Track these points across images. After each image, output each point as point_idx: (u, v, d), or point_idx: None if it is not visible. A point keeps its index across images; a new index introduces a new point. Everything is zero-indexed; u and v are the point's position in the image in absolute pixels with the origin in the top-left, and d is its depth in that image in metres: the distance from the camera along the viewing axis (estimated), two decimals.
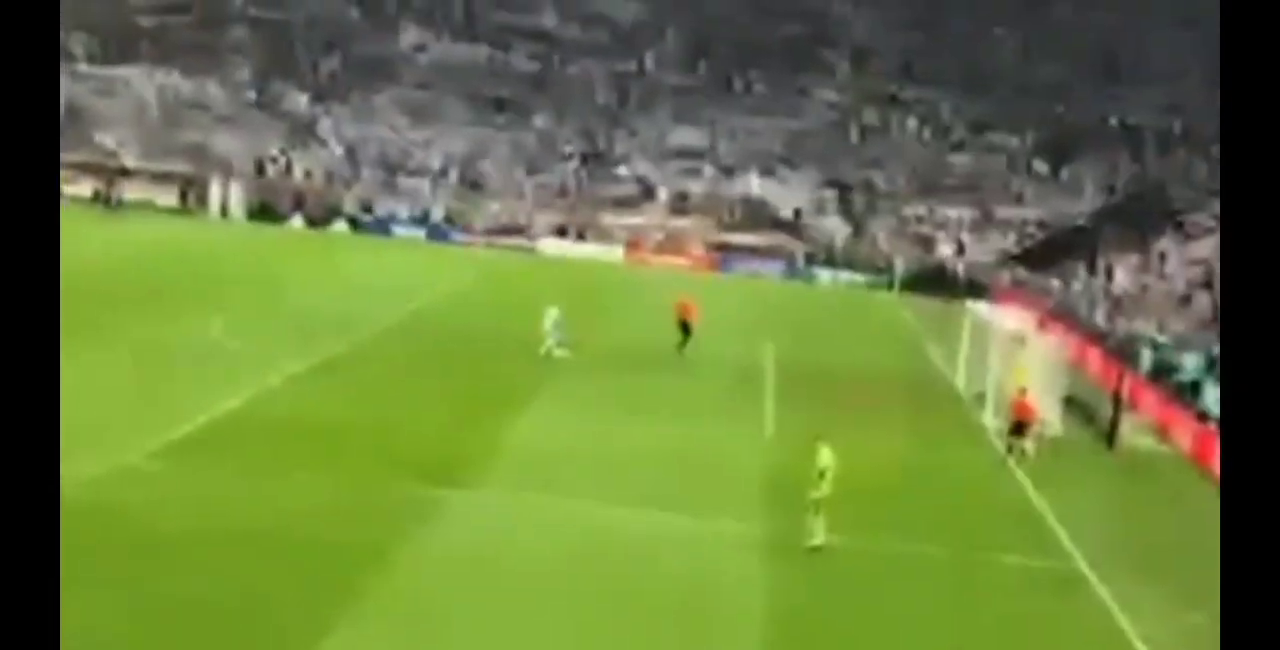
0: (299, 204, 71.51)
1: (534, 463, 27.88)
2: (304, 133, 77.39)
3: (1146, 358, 42.92)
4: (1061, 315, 53.24)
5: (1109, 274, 61.47)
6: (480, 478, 26.43)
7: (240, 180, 72.28)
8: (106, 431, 26.68)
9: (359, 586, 20.10)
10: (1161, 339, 44.63)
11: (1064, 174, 76.35)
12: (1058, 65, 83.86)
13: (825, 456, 23.84)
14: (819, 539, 23.71)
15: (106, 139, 74.60)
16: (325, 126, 77.97)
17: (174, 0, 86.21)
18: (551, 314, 40.03)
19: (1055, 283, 62.75)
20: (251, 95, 79.67)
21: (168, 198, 70.50)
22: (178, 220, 67.76)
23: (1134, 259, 62.99)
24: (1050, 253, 68.60)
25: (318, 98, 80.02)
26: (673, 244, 70.90)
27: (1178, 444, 36.56)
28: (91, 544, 20.36)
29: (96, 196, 69.11)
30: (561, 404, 33.80)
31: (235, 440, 27.39)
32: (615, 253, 69.78)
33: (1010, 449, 32.60)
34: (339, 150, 76.18)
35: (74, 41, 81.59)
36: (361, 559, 21.22)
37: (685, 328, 42.51)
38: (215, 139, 75.52)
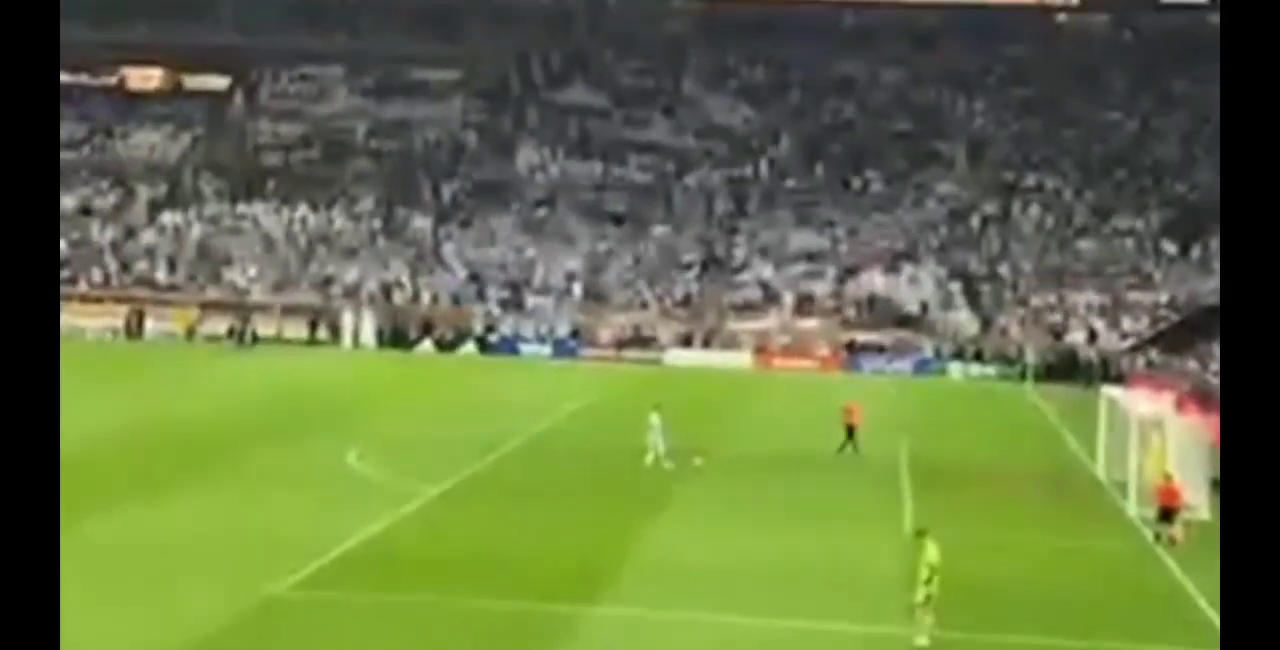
0: (427, 329, 72.47)
1: (665, 577, 27.65)
2: (429, 258, 78.66)
3: None
4: (1200, 397, 52.11)
5: None
6: (613, 593, 26.27)
7: (369, 308, 73.49)
8: (249, 564, 26.98)
9: None
10: None
11: (1193, 253, 75.22)
12: (1177, 142, 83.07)
13: (932, 553, 23.24)
14: (923, 639, 23.14)
15: (237, 276, 76.39)
16: (449, 250, 79.20)
17: (298, 136, 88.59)
18: (654, 421, 39.52)
19: (1192, 364, 61.56)
20: (377, 224, 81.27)
21: (298, 331, 71.81)
22: (310, 352, 68.89)
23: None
24: (1184, 334, 67.39)
25: (440, 221, 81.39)
26: (799, 347, 70.74)
27: None
28: None
29: (231, 333, 70.62)
30: (693, 515, 33.60)
31: (375, 568, 27.54)
32: (742, 359, 69.71)
33: (1158, 537, 31.85)
34: (463, 273, 77.26)
35: (202, 181, 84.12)
36: None
37: (850, 431, 42.50)
38: (343, 269, 77.00)
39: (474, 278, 76.80)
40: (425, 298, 75.43)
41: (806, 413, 52.95)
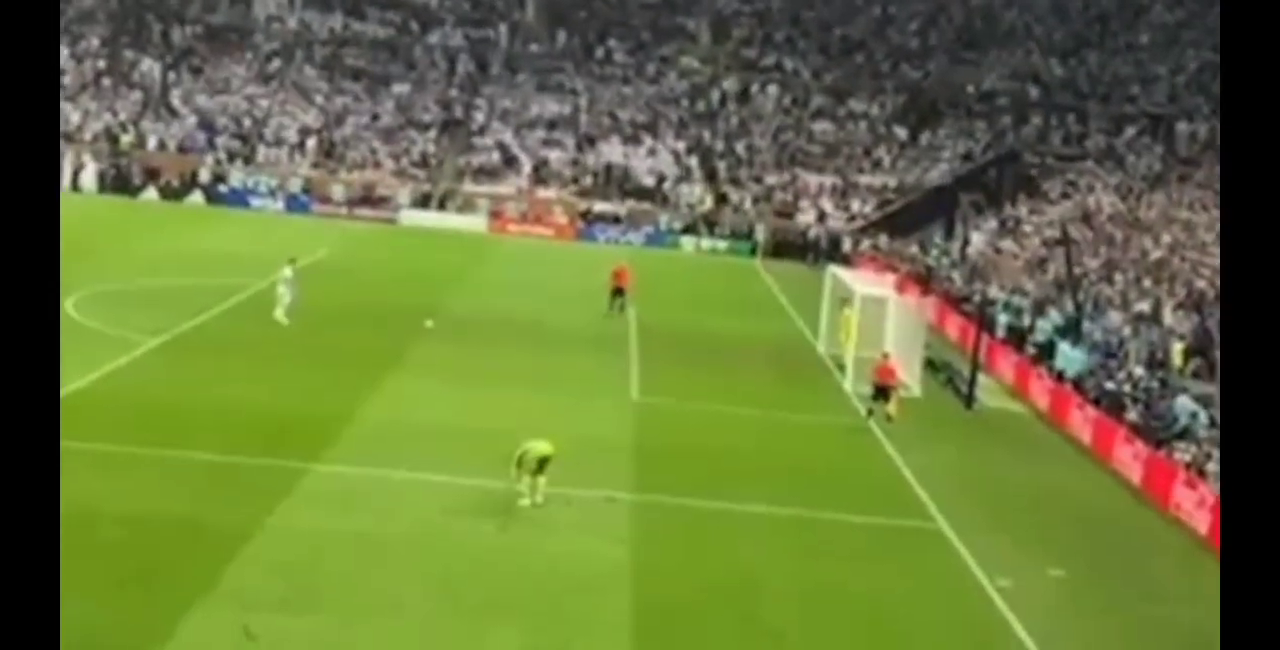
0: (153, 175, 70.07)
1: (391, 435, 27.63)
2: (156, 103, 75.81)
3: (1003, 321, 43.61)
4: (920, 280, 53.91)
5: (966, 239, 62.32)
6: (338, 452, 26.15)
7: (91, 152, 70.66)
8: None
9: (219, 564, 19.83)
10: (1017, 302, 45.37)
11: (921, 139, 77.18)
12: (914, 32, 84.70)
13: (541, 448, 23.63)
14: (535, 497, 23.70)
15: None
16: (177, 96, 76.44)
17: None
18: (286, 273, 38.69)
19: (914, 248, 63.49)
20: (102, 65, 77.85)
21: None
22: None
23: (990, 224, 63.96)
24: (909, 219, 69.41)
25: (170, 66, 78.40)
26: (535, 213, 70.63)
27: (1033, 404, 37.24)
28: None
29: None
30: (423, 376, 33.55)
31: (88, 419, 26.80)
32: (478, 222, 69.32)
33: (871, 412, 32.97)
34: (192, 120, 74.72)
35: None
36: (217, 537, 20.92)
37: (618, 292, 45.04)
38: (65, 110, 73.73)
39: (203, 126, 74.33)
40: (151, 143, 72.75)
41: (542, 279, 53.15)
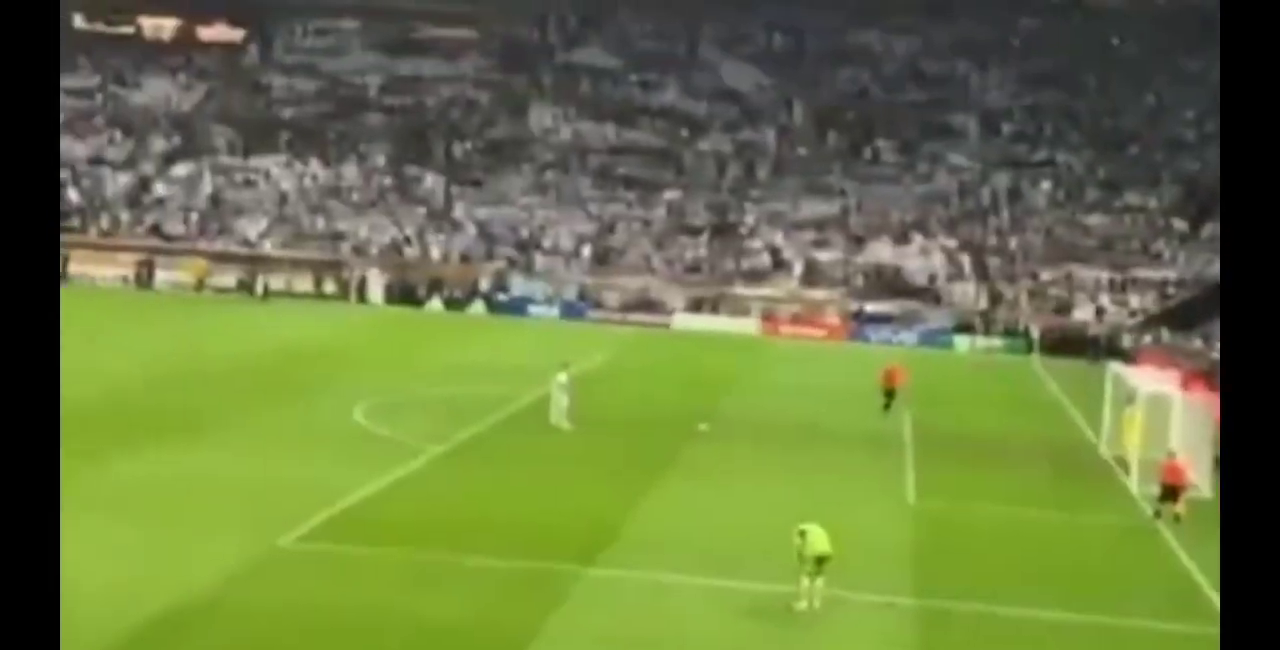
0: (436, 286, 72.55)
1: (664, 539, 27.81)
2: (439, 215, 78.67)
3: None
4: (1206, 375, 52.18)
5: None
6: (611, 556, 26.40)
7: (378, 265, 73.57)
8: (255, 516, 27.17)
9: None
10: None
11: (1203, 231, 75.13)
12: (1190, 120, 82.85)
13: (820, 542, 23.25)
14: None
15: (247, 229, 76.42)
16: (459, 209, 79.21)
17: (311, 90, 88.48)
18: (560, 379, 39.19)
19: (1198, 343, 61.58)
20: (388, 181, 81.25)
21: (306, 285, 71.97)
22: (319, 307, 68.96)
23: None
24: (1192, 312, 67.38)
25: (452, 179, 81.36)
26: (807, 314, 70.79)
27: None
28: (241, 622, 20.78)
29: (240, 286, 70.86)
30: (699, 478, 33.78)
31: (378, 524, 27.70)
32: (750, 325, 69.78)
33: (1158, 514, 31.97)
34: (473, 232, 77.27)
35: (215, 133, 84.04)
36: (508, 639, 21.30)
37: (890, 394, 44.91)
38: (353, 225, 77.03)
39: (484, 237, 76.81)
40: (435, 255, 75.45)
41: (814, 381, 53.14)
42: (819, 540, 23.28)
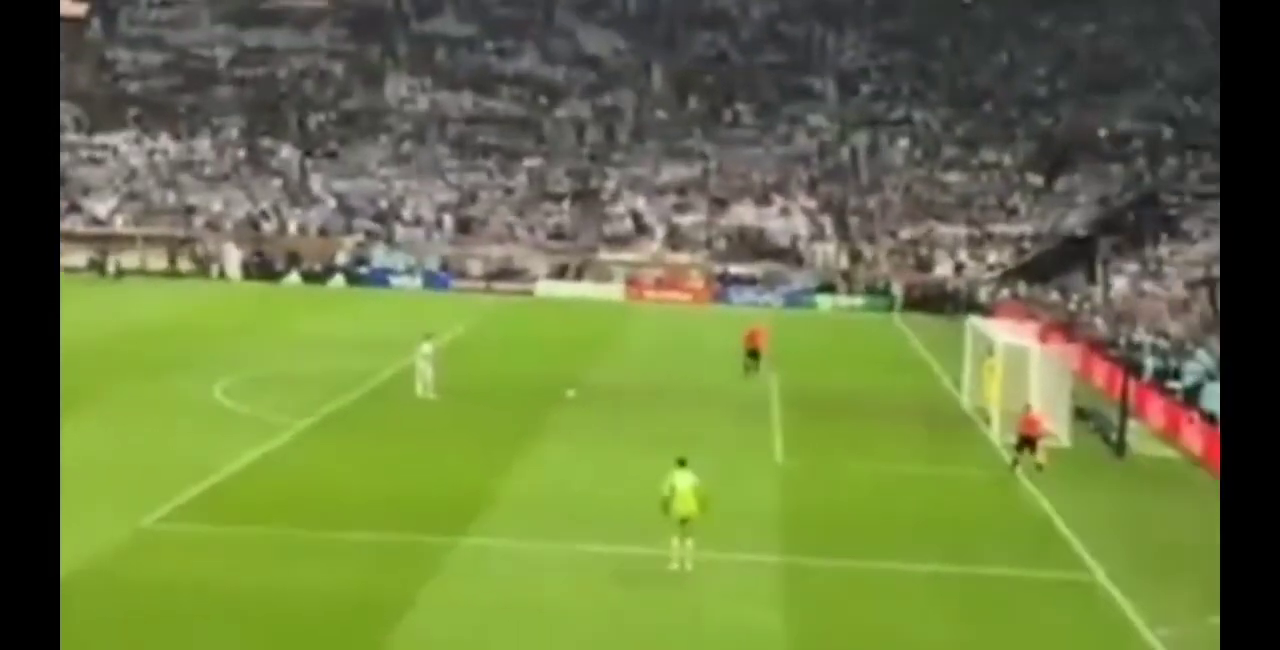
0: (295, 260, 71.59)
1: (537, 506, 27.78)
2: (295, 188, 77.58)
3: (1149, 364, 42.83)
4: (1063, 327, 53.16)
5: (1107, 283, 61.41)
6: (481, 524, 26.30)
7: (234, 239, 72.43)
8: (117, 497, 26.66)
9: (380, 639, 20.01)
10: (1163, 344, 44.55)
11: (1057, 186, 76.41)
12: (1042, 77, 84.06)
13: (682, 479, 23.48)
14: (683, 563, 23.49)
15: (96, 207, 74.74)
16: (316, 181, 78.16)
17: (158, 63, 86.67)
18: (424, 349, 39.00)
19: (1055, 295, 62.67)
20: (241, 154, 79.91)
21: (160, 262, 70.70)
22: (175, 284, 67.84)
23: (1132, 267, 62.97)
24: (1048, 266, 68.58)
25: (307, 152, 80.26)
26: (671, 278, 70.95)
27: (1186, 448, 36.45)
28: (107, 603, 20.36)
29: (91, 265, 69.26)
30: (567, 444, 33.74)
31: (244, 500, 27.33)
32: (614, 290, 69.80)
33: (1016, 463, 32.48)
34: (331, 204, 76.31)
35: (60, 111, 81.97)
36: (382, 612, 21.12)
37: (753, 354, 44.71)
38: (207, 200, 75.71)
39: (342, 209, 75.90)
40: (292, 228, 74.39)
41: (681, 344, 53.29)
42: (684, 502, 23.33)
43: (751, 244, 73.52)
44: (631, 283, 70.48)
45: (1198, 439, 36.15)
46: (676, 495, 23.36)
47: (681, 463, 23.99)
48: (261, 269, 71.07)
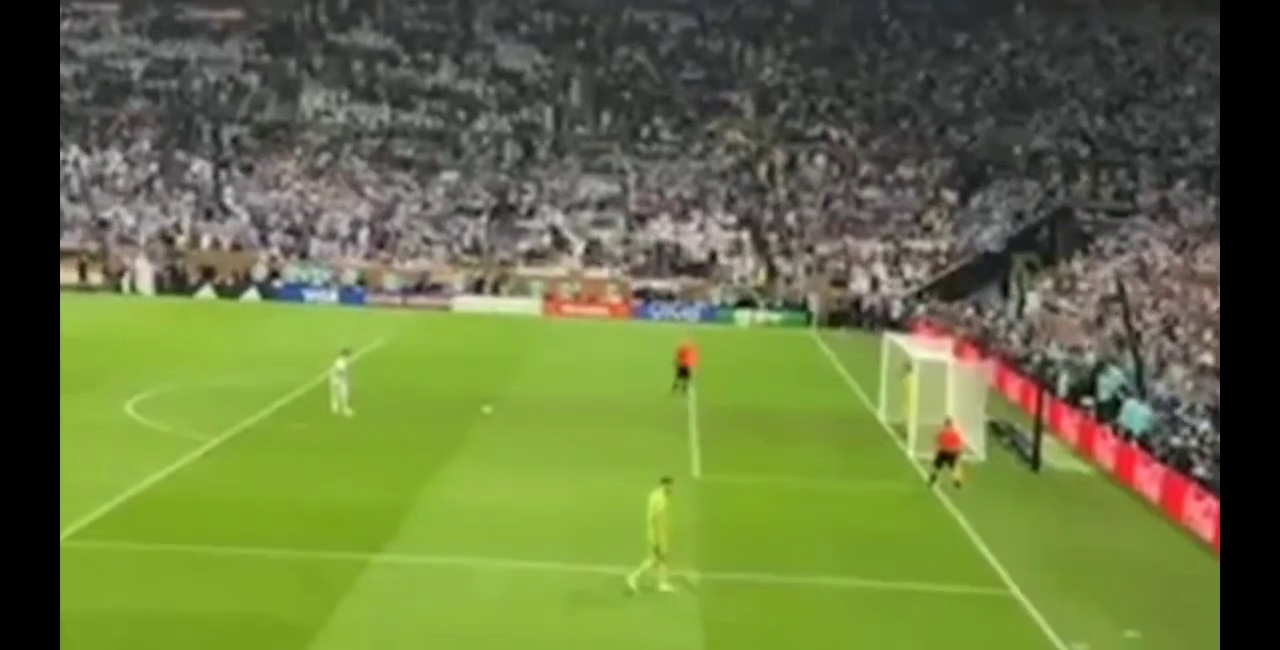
0: (208, 274, 70.81)
1: (453, 523, 27.55)
2: (209, 202, 76.74)
3: (1064, 380, 43.18)
4: (978, 343, 53.53)
5: (1022, 299, 61.92)
6: (397, 541, 26.05)
7: (147, 254, 71.52)
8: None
9: None
10: (1078, 360, 44.92)
11: (972, 202, 77.04)
12: (959, 96, 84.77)
13: (656, 499, 23.42)
14: (663, 584, 23.42)
15: None
16: (230, 195, 77.38)
17: (69, 75, 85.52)
18: (339, 365, 38.53)
19: (970, 311, 63.13)
20: (154, 167, 78.97)
21: (70, 276, 69.67)
22: (85, 298, 66.88)
23: (1045, 283, 63.56)
24: (964, 282, 69.13)
25: (221, 165, 79.45)
26: (589, 294, 70.82)
27: (1099, 463, 36.75)
28: None
29: None
30: (482, 461, 33.50)
31: (155, 518, 26.88)
32: (532, 305, 69.57)
33: (934, 478, 32.60)
34: (245, 218, 75.56)
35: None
36: (294, 633, 20.81)
37: (684, 372, 44.23)
38: (120, 213, 74.76)
39: (256, 223, 75.16)
40: (206, 243, 73.56)
41: (599, 360, 53.16)
42: (650, 520, 23.14)
43: (669, 259, 73.56)
44: (549, 298, 70.30)
45: (1110, 454, 36.48)
46: (649, 514, 23.26)
47: (665, 482, 23.77)
48: (175, 283, 70.22)
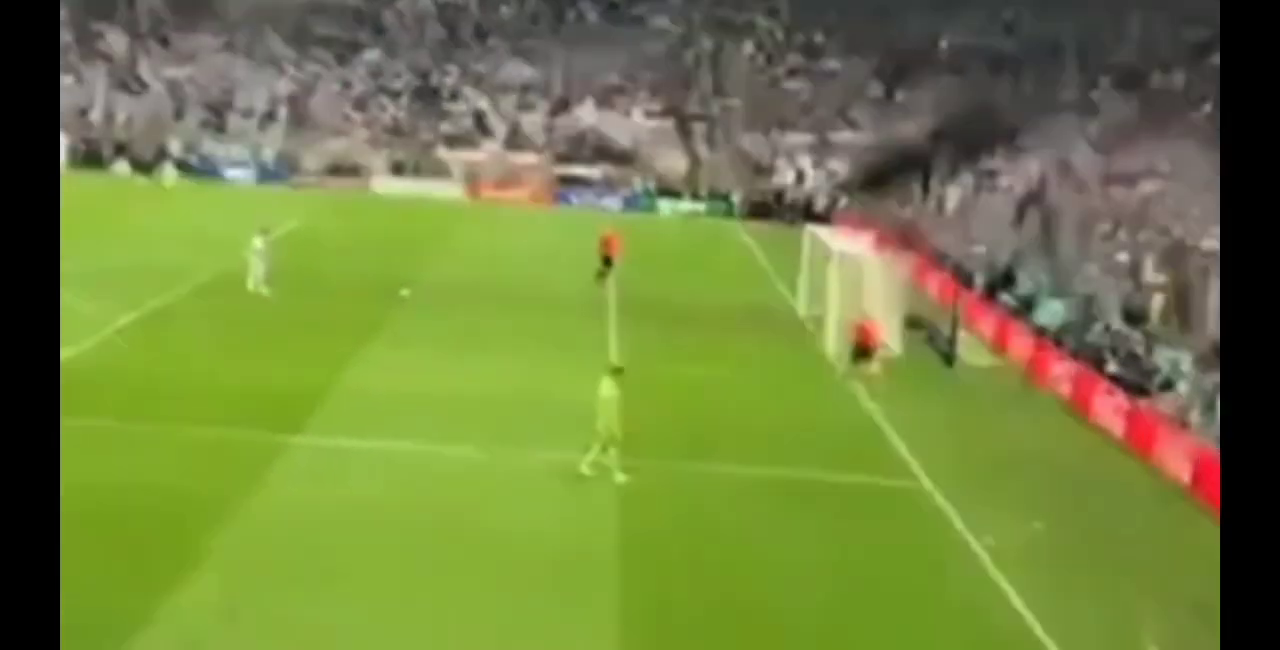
0: (122, 149, 69.57)
1: (373, 405, 27.50)
2: (125, 75, 75.18)
3: (981, 276, 43.50)
4: (899, 237, 53.73)
5: (943, 194, 62.17)
6: (311, 422, 25.96)
7: (60, 126, 70.08)
8: None
9: (202, 538, 19.64)
10: (996, 256, 45.25)
11: (897, 96, 76.93)
12: None
13: (607, 388, 23.56)
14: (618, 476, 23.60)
15: None
16: (145, 68, 75.82)
17: None
18: (256, 244, 38.42)
19: (892, 205, 63.32)
20: (68, 39, 77.12)
21: None
22: None
23: (967, 179, 63.79)
24: (885, 176, 69.21)
25: (137, 38, 77.73)
26: (511, 179, 70.30)
27: (1013, 359, 37.17)
28: None
29: None
30: (400, 344, 33.39)
31: (70, 394, 26.52)
32: (453, 189, 69.01)
33: (851, 373, 32.84)
34: (161, 92, 74.13)
35: None
36: (203, 510, 20.74)
37: (607, 261, 44.07)
38: None
39: (173, 97, 73.78)
40: (120, 117, 72.18)
41: (519, 246, 52.94)
42: (601, 409, 23.28)
43: (592, 146, 73.08)
44: (470, 182, 69.73)
45: (1025, 350, 36.88)
46: (598, 403, 23.26)
47: (616, 371, 23.77)
48: (88, 158, 68.94)
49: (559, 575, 19.42)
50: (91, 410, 25.26)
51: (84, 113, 71.81)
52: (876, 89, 77.52)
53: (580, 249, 46.14)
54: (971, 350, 37.66)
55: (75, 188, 61.27)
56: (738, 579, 19.89)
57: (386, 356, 31.99)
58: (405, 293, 39.12)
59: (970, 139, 69.83)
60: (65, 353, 29.35)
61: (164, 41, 78.02)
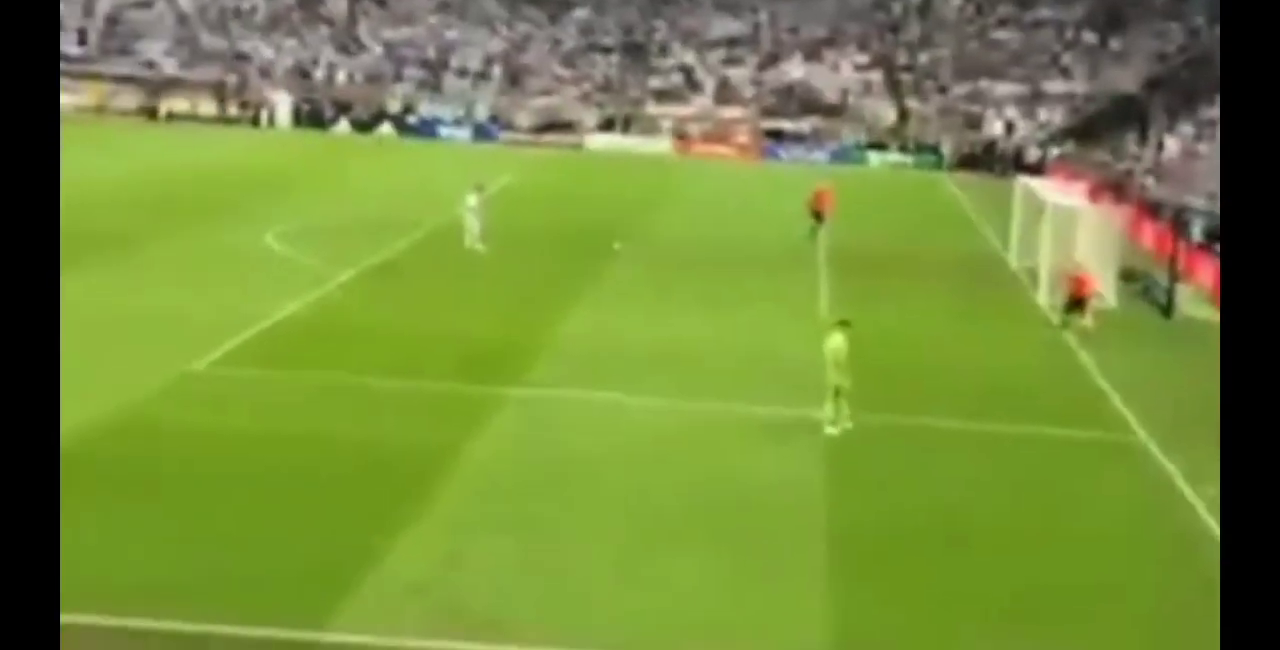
0: (343, 108, 71.47)
1: (589, 358, 28.02)
2: (345, 36, 77.09)
3: (1199, 226, 42.58)
4: (1113, 187, 52.78)
5: (1160, 144, 60.75)
6: (531, 375, 26.54)
7: (284, 87, 72.26)
8: (166, 342, 27.04)
9: (426, 487, 20.30)
10: (1215, 207, 44.20)
11: (1111, 45, 75.20)
12: None
13: (836, 341, 23.66)
14: (836, 427, 23.71)
15: (148, 51, 74.57)
16: (365, 29, 77.64)
17: None
18: (470, 202, 38.96)
19: (1106, 155, 62.09)
20: (290, 0, 79.32)
21: (209, 108, 70.75)
22: (224, 130, 67.93)
23: (1184, 128, 62.20)
24: (1100, 126, 67.82)
25: (356, 1, 79.56)
26: (719, 133, 70.53)
27: None
28: (158, 447, 20.82)
29: (142, 109, 69.49)
30: (615, 297, 33.94)
31: (295, 346, 27.68)
32: (662, 145, 69.50)
33: (1065, 324, 32.56)
34: (380, 52, 75.89)
35: None
36: (427, 458, 21.42)
37: (818, 216, 43.56)
38: (258, 46, 75.41)
39: (391, 57, 75.49)
40: (340, 77, 74.13)
41: (728, 200, 53.23)
42: (832, 362, 23.46)
43: (800, 100, 72.89)
44: (679, 137, 70.14)
45: None
46: (827, 354, 23.53)
47: (843, 324, 24.06)
48: (311, 117, 71.01)
49: (768, 528, 19.62)
50: (313, 362, 26.20)
51: (306, 75, 73.86)
52: (1090, 37, 75.85)
53: (789, 202, 46.20)
54: (1191, 302, 36.94)
55: (299, 146, 63.34)
56: (950, 536, 19.85)
57: (601, 310, 32.55)
58: (618, 246, 39.70)
59: (1188, 87, 68.02)
60: (290, 306, 30.55)
61: (382, 3, 79.79)
